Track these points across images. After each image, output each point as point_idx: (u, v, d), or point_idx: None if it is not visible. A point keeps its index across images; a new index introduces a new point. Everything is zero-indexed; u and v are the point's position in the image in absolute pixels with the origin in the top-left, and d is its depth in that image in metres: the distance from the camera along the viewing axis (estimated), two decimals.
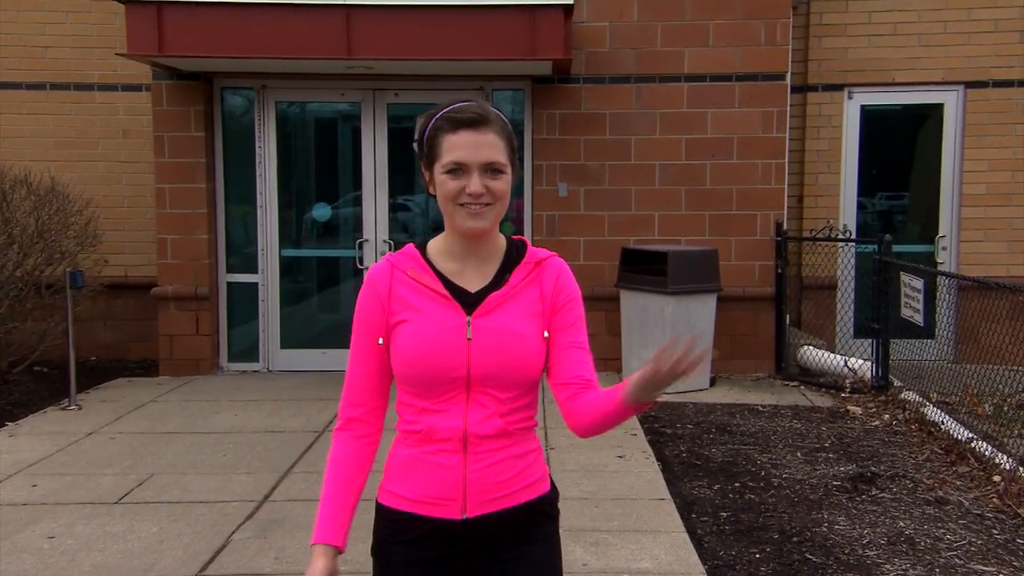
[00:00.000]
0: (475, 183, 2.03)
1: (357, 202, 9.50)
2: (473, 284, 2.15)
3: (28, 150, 9.95)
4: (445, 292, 2.12)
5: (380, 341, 2.14)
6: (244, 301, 9.50)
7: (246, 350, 9.52)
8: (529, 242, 2.26)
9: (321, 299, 9.79)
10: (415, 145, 2.17)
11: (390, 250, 9.25)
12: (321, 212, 9.62)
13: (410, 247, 2.21)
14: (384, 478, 2.21)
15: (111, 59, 9.58)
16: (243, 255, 9.50)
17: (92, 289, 9.06)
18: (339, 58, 8.27)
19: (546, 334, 2.15)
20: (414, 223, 9.72)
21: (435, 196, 2.13)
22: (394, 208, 9.52)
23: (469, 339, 2.07)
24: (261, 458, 6.42)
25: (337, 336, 9.46)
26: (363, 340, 2.19)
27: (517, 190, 9.28)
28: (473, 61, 8.37)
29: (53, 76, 10.05)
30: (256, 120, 9.35)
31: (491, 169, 2.06)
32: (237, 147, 9.43)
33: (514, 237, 2.26)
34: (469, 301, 2.11)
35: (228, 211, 9.45)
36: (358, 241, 9.42)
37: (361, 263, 9.39)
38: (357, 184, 9.46)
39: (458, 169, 2.04)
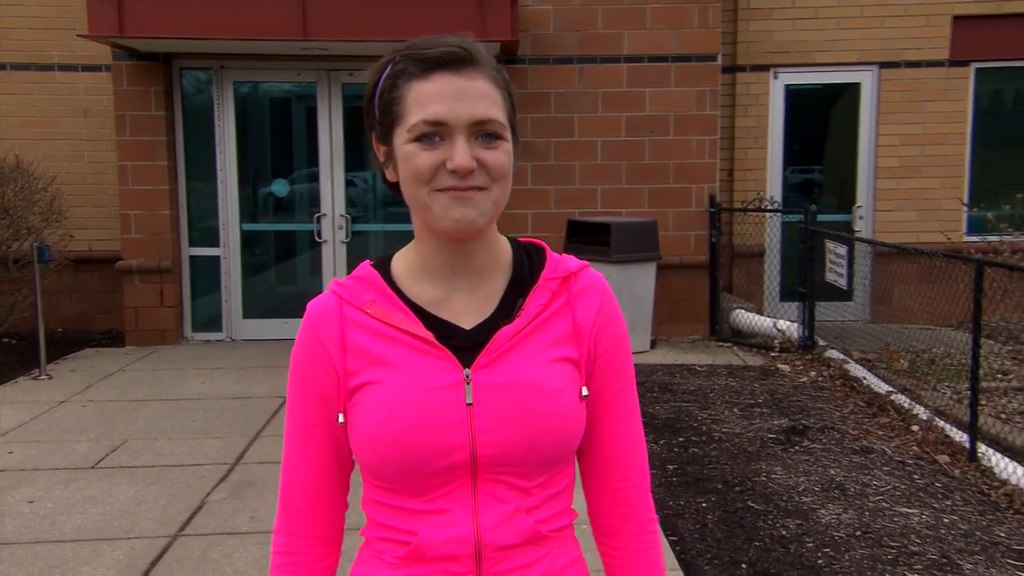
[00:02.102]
0: (461, 152, 1.22)
1: (314, 178, 9.32)
2: (467, 317, 1.34)
3: None
4: (426, 335, 1.30)
5: (340, 418, 1.33)
6: (206, 273, 9.29)
7: (209, 320, 9.32)
8: (547, 245, 1.44)
9: (280, 271, 9.62)
10: (364, 109, 1.37)
11: (347, 224, 9.17)
12: (279, 188, 9.43)
13: (365, 268, 1.39)
14: None
15: (71, 40, 9.28)
16: (205, 229, 9.28)
17: (58, 263, 8.84)
18: (295, 39, 8.10)
19: (585, 392, 1.35)
20: (367, 198, 9.57)
21: (394, 183, 1.33)
22: (350, 184, 9.37)
23: (470, 404, 1.28)
24: (230, 423, 6.30)
25: (297, 306, 9.22)
26: (305, 419, 1.36)
27: None
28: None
29: (14, 57, 9.66)
30: (215, 99, 9.10)
31: (484, 133, 1.25)
32: (197, 125, 9.18)
33: (522, 240, 1.44)
34: (465, 345, 1.31)
35: (189, 187, 9.21)
36: (315, 215, 9.25)
37: (319, 236, 9.24)
38: (314, 161, 9.28)
39: (432, 134, 1.23)
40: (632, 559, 1.41)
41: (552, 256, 1.40)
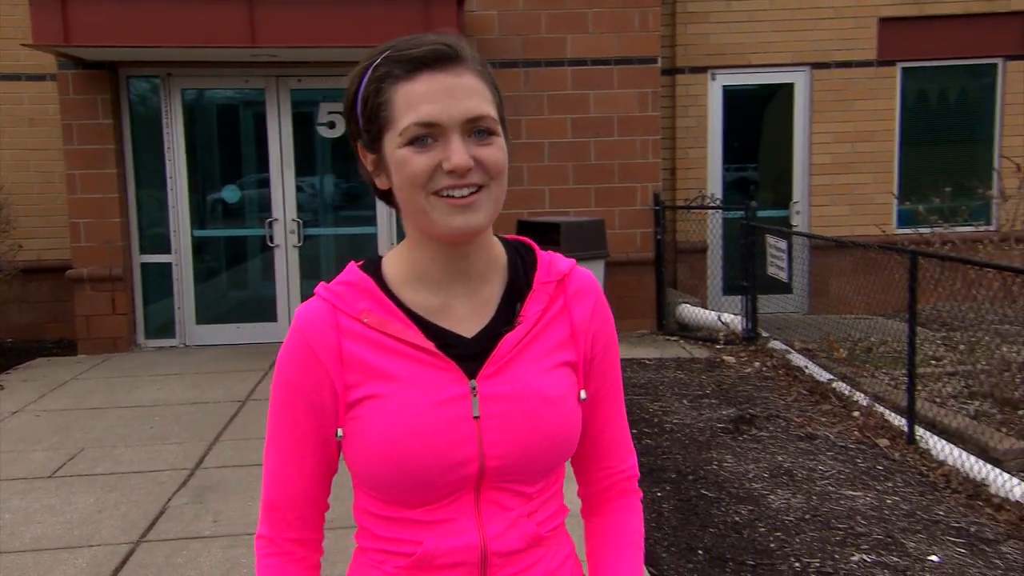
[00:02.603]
0: (457, 151, 1.17)
1: (264, 183, 9.20)
2: (467, 324, 1.28)
3: None
4: (428, 345, 1.24)
5: (339, 434, 1.27)
6: (158, 280, 9.11)
7: (162, 327, 9.14)
8: (534, 243, 1.39)
9: (233, 276, 9.47)
10: (345, 117, 1.30)
11: (299, 229, 9.07)
12: (230, 194, 9.29)
13: (355, 272, 1.31)
14: None
15: (13, 49, 9.06)
16: (155, 236, 9.10)
17: (7, 273, 8.65)
18: (243, 46, 7.97)
19: (583, 395, 1.33)
20: (317, 202, 9.46)
21: (385, 191, 1.27)
22: (301, 189, 9.26)
23: (477, 417, 1.23)
24: (188, 428, 6.19)
25: (250, 311, 9.22)
26: (296, 432, 1.30)
27: None
28: (373, 48, 8.15)
29: None
30: (163, 107, 8.93)
31: (477, 130, 1.20)
32: (145, 133, 9.00)
33: (509, 238, 1.38)
34: (467, 354, 1.26)
35: (139, 195, 9.03)
36: (267, 221, 9.13)
37: (271, 241, 9.12)
38: (264, 166, 9.16)
39: (425, 136, 1.18)
40: (616, 514, 1.44)
41: (542, 256, 1.35)
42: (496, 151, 1.21)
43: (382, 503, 1.28)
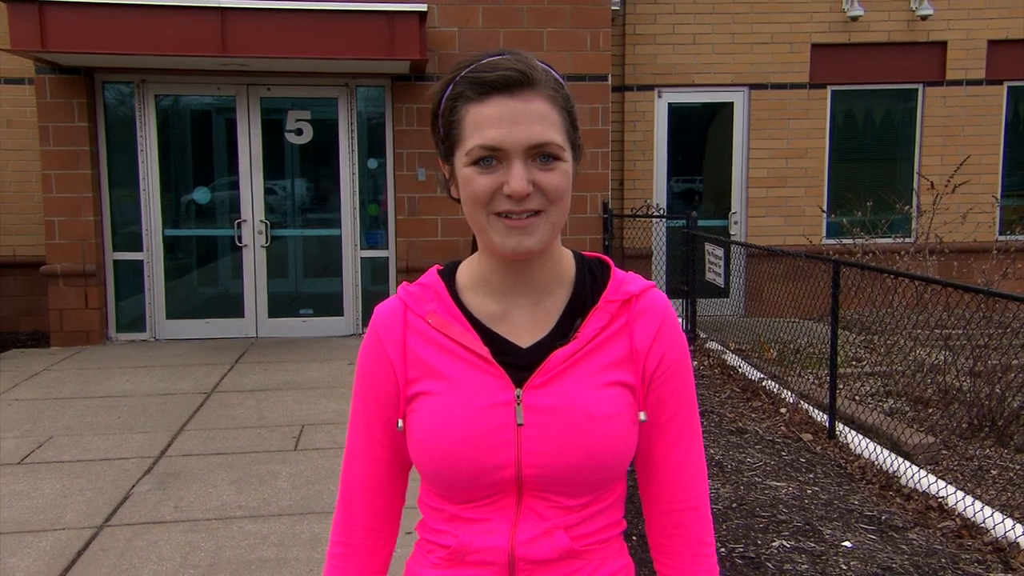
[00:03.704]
0: (516, 177, 1.15)
1: (234, 186, 9.10)
2: (524, 335, 1.26)
3: None
4: (483, 351, 1.23)
5: (399, 424, 1.27)
6: (130, 276, 8.98)
7: (134, 321, 9.02)
8: (611, 262, 1.34)
9: (203, 274, 9.36)
10: (430, 127, 1.29)
11: (266, 230, 8.99)
12: (201, 195, 9.18)
13: (432, 275, 1.32)
14: None
15: None
16: (128, 235, 8.97)
17: None
18: (215, 55, 7.89)
19: (643, 417, 1.26)
20: (285, 204, 9.39)
21: (458, 199, 1.25)
22: (269, 192, 9.18)
23: (520, 425, 1.21)
24: (154, 419, 6.11)
25: (218, 307, 9.11)
26: (367, 419, 1.31)
27: (378, 174, 9.13)
28: (339, 60, 8.14)
29: None
30: (136, 112, 8.81)
31: (541, 155, 1.17)
32: (119, 136, 8.86)
33: (587, 255, 1.34)
34: (519, 364, 1.23)
35: (113, 195, 8.89)
36: (236, 221, 9.04)
37: (240, 241, 9.03)
38: (234, 170, 9.07)
39: (489, 158, 1.17)
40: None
41: (616, 275, 1.30)
42: (557, 177, 1.18)
43: (435, 495, 1.28)
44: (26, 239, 9.29)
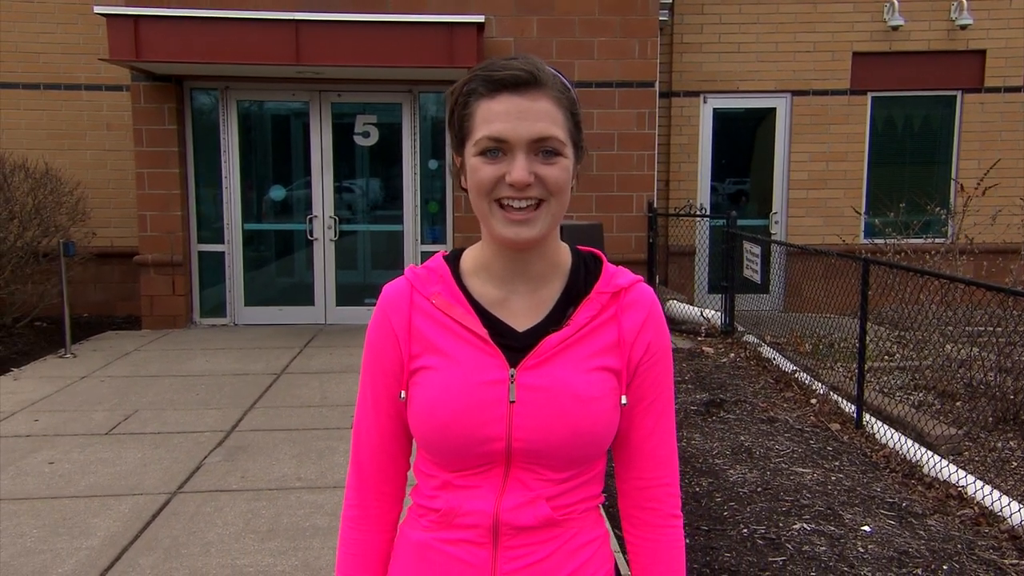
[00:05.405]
0: (519, 168, 1.18)
1: (307, 184, 9.26)
2: (521, 319, 1.28)
3: (25, 141, 9.47)
4: (482, 332, 1.26)
5: (402, 395, 1.30)
6: (213, 267, 9.21)
7: (215, 307, 9.25)
8: (604, 257, 1.37)
9: (278, 265, 9.55)
10: (446, 122, 1.32)
11: (335, 225, 9.13)
12: (277, 193, 9.36)
13: (438, 260, 1.34)
14: (390, 567, 1.38)
15: (95, 64, 9.20)
16: (211, 228, 9.20)
17: (83, 257, 8.78)
18: (290, 64, 8.04)
19: (624, 401, 1.29)
20: (354, 201, 9.52)
21: (467, 189, 1.27)
22: (338, 190, 9.32)
23: (512, 401, 1.23)
24: (229, 396, 6.26)
25: (291, 295, 9.29)
26: (375, 390, 1.34)
27: (438, 174, 9.19)
28: (403, 68, 8.21)
29: (46, 78, 9.54)
30: (220, 115, 9.02)
31: (543, 149, 1.19)
32: (205, 138, 9.09)
33: (582, 249, 1.36)
34: (515, 346, 1.26)
35: (198, 192, 9.13)
36: (308, 217, 9.20)
37: (311, 235, 9.20)
38: (307, 169, 9.23)
39: (495, 149, 1.19)
40: (654, 547, 1.35)
41: (608, 269, 1.33)
42: (557, 171, 1.20)
43: (430, 463, 1.30)
44: (122, 231, 9.60)
